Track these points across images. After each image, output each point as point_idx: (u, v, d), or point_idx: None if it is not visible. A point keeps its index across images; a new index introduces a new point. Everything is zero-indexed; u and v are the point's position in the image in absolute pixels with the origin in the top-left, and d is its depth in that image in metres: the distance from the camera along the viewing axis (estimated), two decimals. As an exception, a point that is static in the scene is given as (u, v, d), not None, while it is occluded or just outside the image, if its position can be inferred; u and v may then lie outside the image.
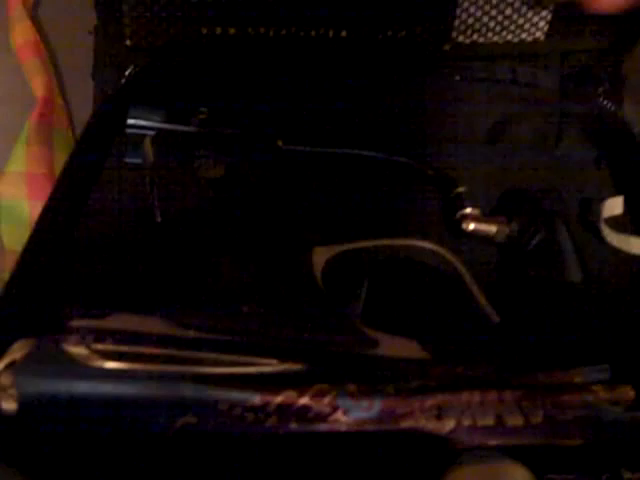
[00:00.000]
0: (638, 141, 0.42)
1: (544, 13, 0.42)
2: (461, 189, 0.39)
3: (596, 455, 0.27)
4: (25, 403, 0.25)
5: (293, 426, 0.25)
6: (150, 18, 0.40)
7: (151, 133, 0.39)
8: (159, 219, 0.36)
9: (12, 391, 0.25)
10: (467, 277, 0.35)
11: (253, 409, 0.25)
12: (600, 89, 0.45)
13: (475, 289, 0.34)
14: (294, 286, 0.32)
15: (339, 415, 0.25)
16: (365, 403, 0.26)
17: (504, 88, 0.45)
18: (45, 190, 0.39)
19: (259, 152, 0.40)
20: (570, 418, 0.26)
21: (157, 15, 0.40)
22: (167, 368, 0.25)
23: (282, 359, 0.26)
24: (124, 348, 0.25)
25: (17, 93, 0.46)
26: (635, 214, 0.39)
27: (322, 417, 0.25)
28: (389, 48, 0.42)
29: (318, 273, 0.33)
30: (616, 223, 0.39)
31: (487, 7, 0.41)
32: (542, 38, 0.43)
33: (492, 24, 0.42)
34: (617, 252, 0.38)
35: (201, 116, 0.40)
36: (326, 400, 0.25)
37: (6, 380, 0.25)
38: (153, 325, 0.27)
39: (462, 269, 0.35)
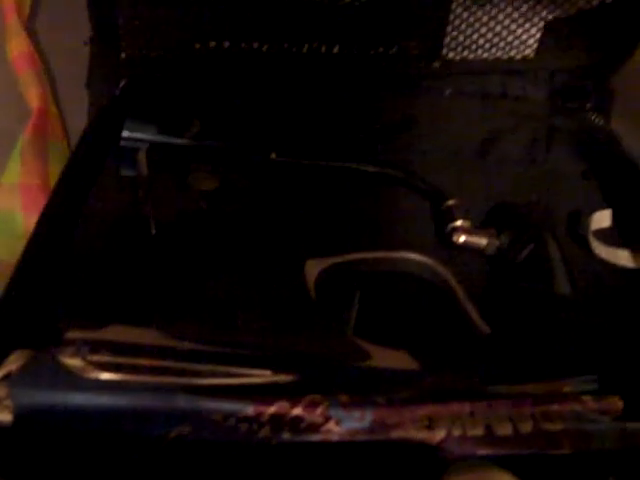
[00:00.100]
0: (625, 155, 0.43)
1: (533, 31, 0.42)
2: (452, 202, 0.39)
3: (585, 465, 0.27)
4: (20, 414, 0.25)
5: (286, 436, 0.25)
6: (145, 30, 0.40)
7: (145, 146, 0.39)
8: (154, 231, 0.36)
9: (7, 402, 0.25)
10: (458, 289, 0.35)
11: (247, 419, 0.25)
12: (588, 104, 0.45)
13: (466, 301, 0.35)
14: (287, 298, 0.32)
15: (331, 425, 0.25)
16: (357, 414, 0.26)
17: (494, 102, 0.45)
18: (39, 201, 0.39)
19: (253, 165, 0.41)
20: (559, 428, 0.26)
21: (152, 28, 0.40)
22: (162, 379, 0.25)
23: (275, 370, 0.27)
24: (120, 359, 0.25)
25: (12, 104, 0.46)
26: (623, 227, 0.40)
27: (315, 427, 0.25)
28: (380, 64, 0.43)
29: (311, 285, 0.33)
30: (604, 236, 0.39)
31: (477, 25, 0.42)
32: (531, 55, 0.44)
33: (482, 41, 0.43)
34: (605, 264, 0.38)
35: (195, 129, 0.40)
36: (319, 411, 0.26)
37: (2, 391, 0.25)
38: (148, 337, 0.27)
39: (453, 281, 0.35)
